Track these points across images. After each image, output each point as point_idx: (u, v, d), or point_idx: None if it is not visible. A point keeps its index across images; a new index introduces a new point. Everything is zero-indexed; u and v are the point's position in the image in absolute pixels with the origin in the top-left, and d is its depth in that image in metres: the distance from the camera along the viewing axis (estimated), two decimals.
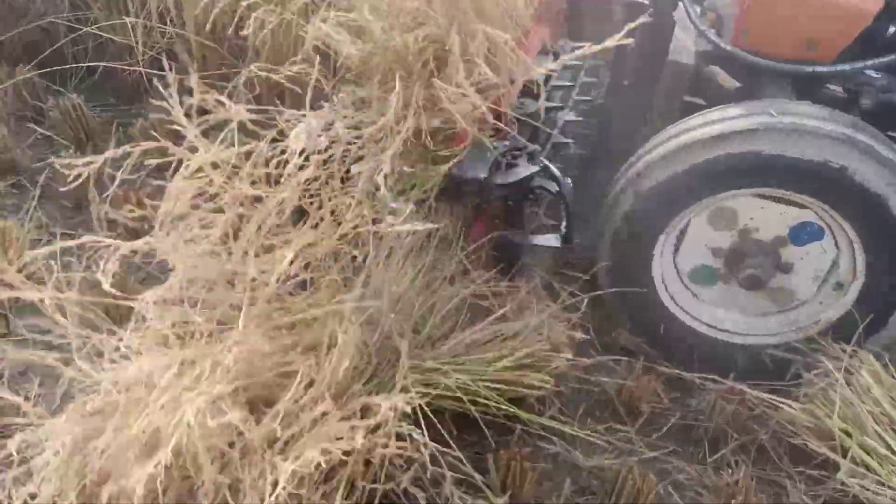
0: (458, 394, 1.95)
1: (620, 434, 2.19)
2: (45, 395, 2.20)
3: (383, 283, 2.04)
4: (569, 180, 2.13)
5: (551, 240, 2.22)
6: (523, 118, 2.27)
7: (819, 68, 2.38)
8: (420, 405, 1.82)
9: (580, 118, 2.62)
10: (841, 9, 2.33)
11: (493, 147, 2.05)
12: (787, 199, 2.22)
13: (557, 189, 2.14)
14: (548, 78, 2.49)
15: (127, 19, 2.51)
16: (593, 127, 2.82)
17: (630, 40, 1.99)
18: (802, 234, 2.28)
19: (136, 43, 2.74)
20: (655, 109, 2.66)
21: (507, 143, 2.12)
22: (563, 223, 2.18)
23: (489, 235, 2.19)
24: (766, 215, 2.28)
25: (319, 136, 1.94)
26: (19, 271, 2.51)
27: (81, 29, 3.41)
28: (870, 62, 2.33)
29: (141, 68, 2.42)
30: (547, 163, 2.12)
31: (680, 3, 2.55)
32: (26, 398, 2.16)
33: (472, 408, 1.97)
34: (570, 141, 2.49)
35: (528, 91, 2.34)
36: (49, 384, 2.22)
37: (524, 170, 2.08)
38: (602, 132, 2.88)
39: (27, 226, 2.65)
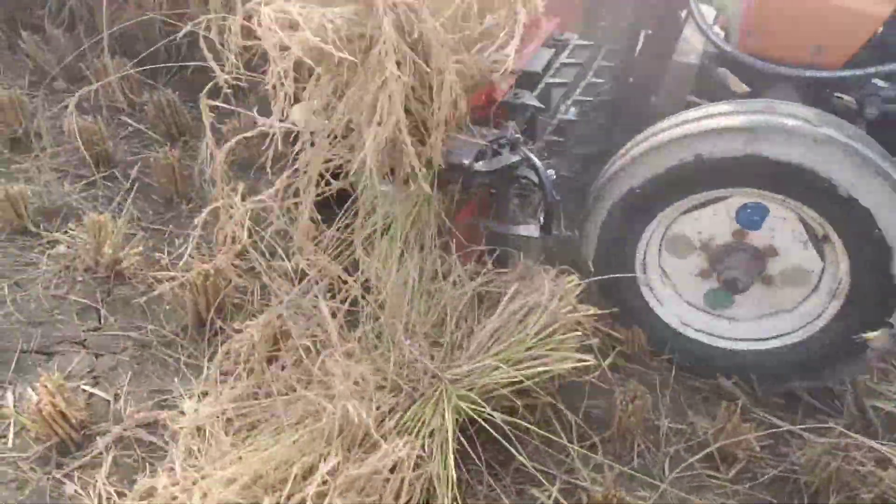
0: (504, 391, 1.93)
1: (714, 481, 2.11)
2: (133, 392, 2.19)
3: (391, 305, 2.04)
4: (552, 171, 2.09)
5: (531, 229, 2.19)
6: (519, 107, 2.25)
7: (817, 73, 2.28)
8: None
9: (582, 110, 2.62)
10: (848, 13, 2.23)
11: (481, 135, 2.05)
12: (708, 200, 2.21)
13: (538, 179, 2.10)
14: (547, 69, 2.46)
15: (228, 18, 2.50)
16: (596, 122, 2.80)
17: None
18: (751, 217, 2.20)
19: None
20: (659, 108, 2.58)
21: (496, 131, 2.10)
22: (542, 213, 2.14)
23: (472, 223, 2.20)
24: (706, 223, 2.25)
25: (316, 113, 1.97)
26: (114, 265, 2.55)
27: (177, 25, 3.44)
28: (871, 70, 2.22)
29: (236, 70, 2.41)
30: (528, 152, 2.08)
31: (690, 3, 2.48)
32: (116, 395, 2.19)
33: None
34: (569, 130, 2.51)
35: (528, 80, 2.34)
36: (138, 381, 2.22)
37: (505, 158, 2.06)
38: (607, 127, 2.84)
39: (120, 220, 2.66)
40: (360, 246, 2.08)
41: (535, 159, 2.06)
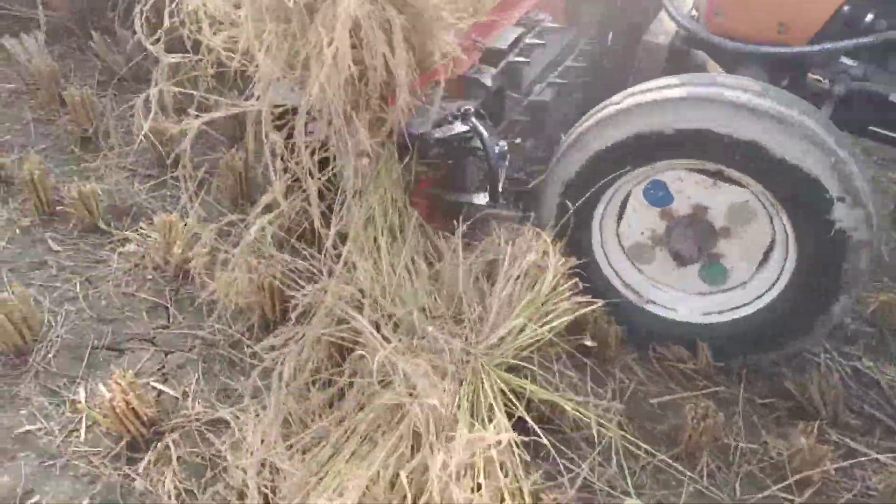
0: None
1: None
2: (201, 391, 2.21)
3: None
4: (503, 143, 2.14)
5: (479, 198, 2.25)
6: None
7: (776, 49, 2.29)
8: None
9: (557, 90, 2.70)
10: None
11: (440, 107, 2.11)
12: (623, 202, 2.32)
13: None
14: (513, 46, 2.47)
15: None
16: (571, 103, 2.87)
17: None
18: (658, 194, 2.27)
19: None
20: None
21: (457, 104, 2.15)
22: (489, 183, 2.19)
23: (428, 193, 2.26)
24: (639, 219, 2.33)
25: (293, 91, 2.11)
26: (182, 265, 2.59)
27: None
28: (829, 45, 2.21)
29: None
30: (476, 123, 2.11)
31: None
32: (185, 393, 2.21)
33: None
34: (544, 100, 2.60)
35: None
36: (206, 380, 2.24)
37: (455, 128, 2.11)
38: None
39: (189, 220, 2.69)
40: (353, 242, 2.13)
41: (482, 129, 2.12)
